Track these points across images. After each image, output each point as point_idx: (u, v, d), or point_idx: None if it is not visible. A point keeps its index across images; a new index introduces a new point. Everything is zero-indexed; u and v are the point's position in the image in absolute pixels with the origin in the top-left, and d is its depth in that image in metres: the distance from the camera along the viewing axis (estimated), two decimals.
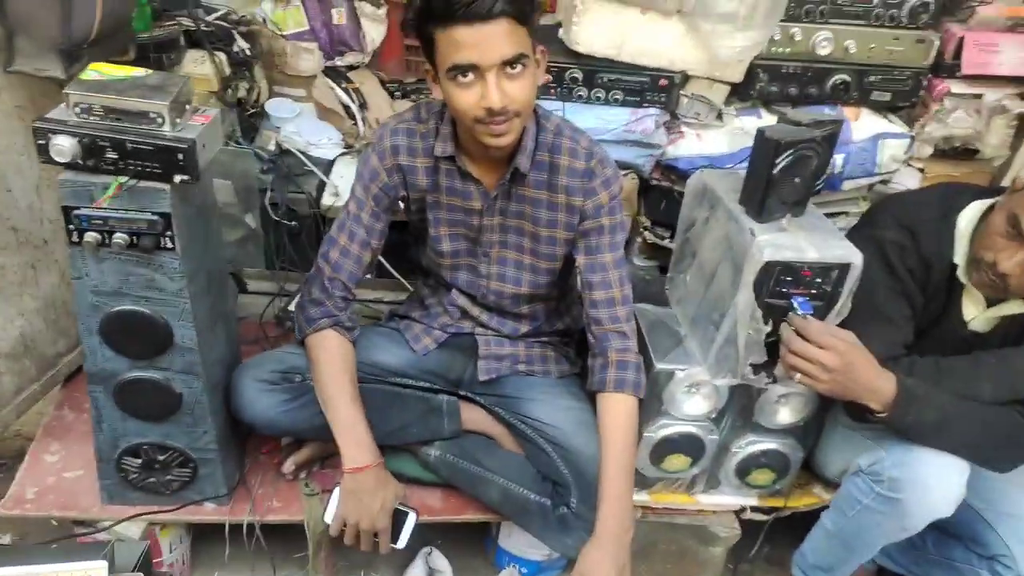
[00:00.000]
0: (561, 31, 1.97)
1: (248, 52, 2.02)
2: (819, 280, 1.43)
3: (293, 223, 1.99)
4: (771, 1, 1.76)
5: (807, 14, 1.91)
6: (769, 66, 1.95)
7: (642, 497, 1.75)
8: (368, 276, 1.73)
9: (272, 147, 2.03)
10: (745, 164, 1.53)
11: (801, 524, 1.74)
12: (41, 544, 1.60)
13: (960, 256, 1.48)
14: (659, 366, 1.60)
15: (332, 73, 2.21)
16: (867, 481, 1.50)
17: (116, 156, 1.22)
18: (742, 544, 1.82)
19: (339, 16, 2.13)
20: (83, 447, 1.64)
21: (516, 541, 1.78)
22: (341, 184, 1.98)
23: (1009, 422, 1.45)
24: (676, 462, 1.70)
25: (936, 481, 1.42)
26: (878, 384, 1.41)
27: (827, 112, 1.97)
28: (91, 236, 1.26)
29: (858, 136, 1.99)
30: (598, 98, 1.96)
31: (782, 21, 1.86)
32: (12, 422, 1.74)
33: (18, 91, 1.53)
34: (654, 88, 1.95)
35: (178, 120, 1.25)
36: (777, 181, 1.44)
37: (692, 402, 1.63)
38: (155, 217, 1.27)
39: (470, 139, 1.42)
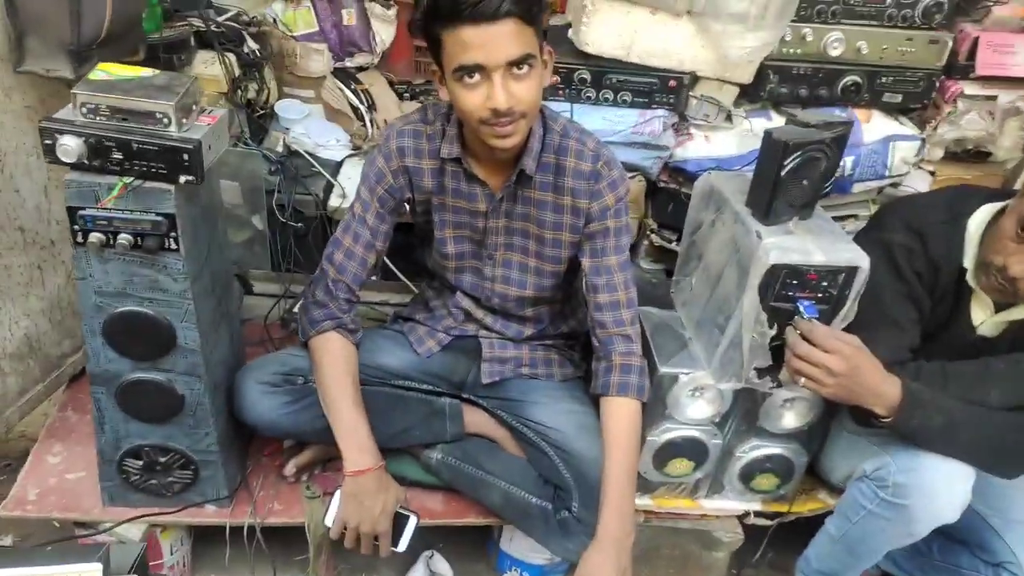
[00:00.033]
0: (570, 32, 1.97)
1: (258, 53, 2.03)
2: (825, 284, 1.41)
3: (300, 225, 1.99)
4: (782, 1, 1.75)
5: (819, 14, 1.89)
6: (779, 67, 1.94)
7: (645, 501, 1.75)
8: (373, 278, 1.73)
9: (280, 148, 2.03)
10: (754, 166, 1.52)
11: (805, 529, 1.73)
12: (38, 546, 1.60)
13: (969, 260, 1.46)
14: (663, 370, 1.59)
15: (341, 74, 2.22)
16: (872, 486, 1.48)
17: (122, 156, 1.22)
18: (745, 549, 1.80)
19: (349, 17, 2.15)
20: (86, 448, 1.64)
21: (518, 545, 1.77)
22: (348, 186, 1.98)
23: (1016, 428, 1.43)
24: (679, 466, 1.69)
25: (942, 487, 1.41)
26: (883, 389, 1.39)
27: (838, 114, 1.95)
28: (95, 236, 1.26)
29: (869, 138, 1.98)
30: (606, 99, 1.96)
31: (793, 21, 1.85)
32: (16, 423, 1.74)
33: (28, 91, 1.54)
34: (663, 89, 1.94)
35: (184, 121, 1.25)
36: (785, 183, 1.42)
37: (696, 406, 1.62)
38: (159, 218, 1.27)
39: (476, 140, 1.42)
